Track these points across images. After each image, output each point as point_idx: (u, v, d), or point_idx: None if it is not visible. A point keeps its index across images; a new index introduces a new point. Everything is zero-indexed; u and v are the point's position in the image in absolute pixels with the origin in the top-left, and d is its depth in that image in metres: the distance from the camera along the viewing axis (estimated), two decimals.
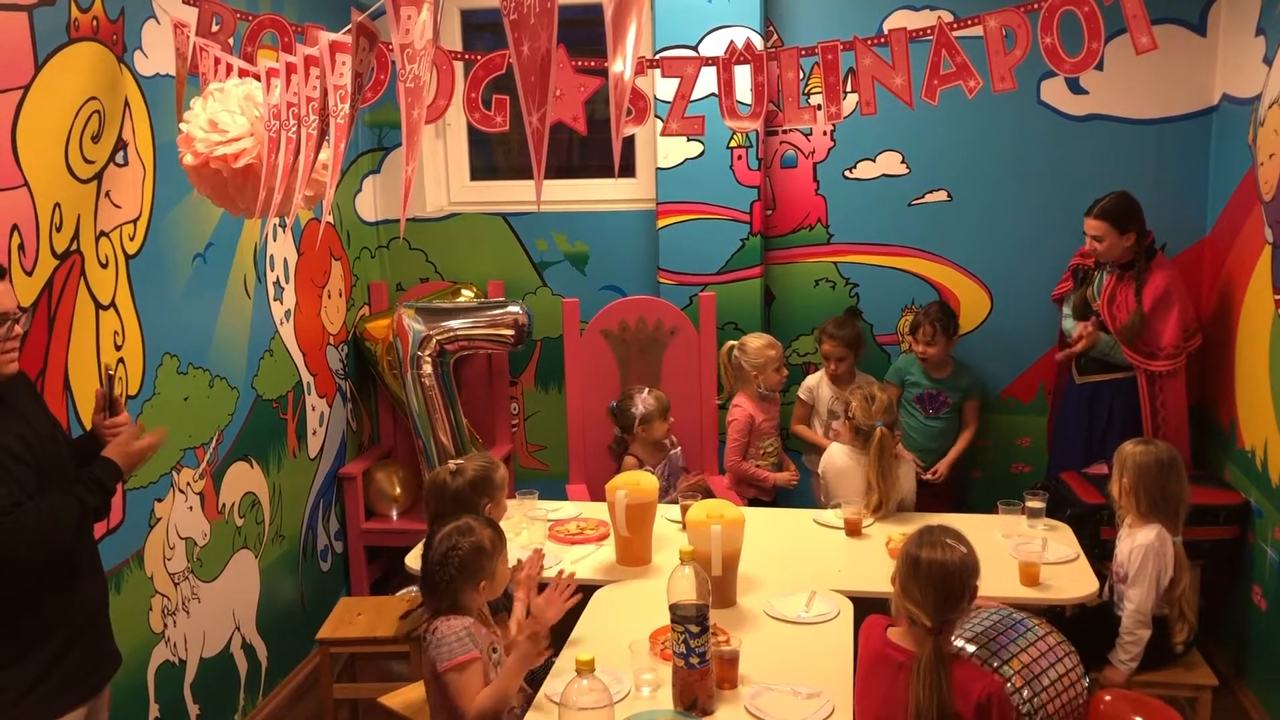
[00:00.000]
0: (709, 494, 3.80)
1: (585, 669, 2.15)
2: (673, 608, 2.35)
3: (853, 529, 3.43)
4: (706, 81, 3.01)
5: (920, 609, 2.31)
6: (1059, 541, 3.33)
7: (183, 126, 2.06)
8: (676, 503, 3.53)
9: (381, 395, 4.74)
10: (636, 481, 3.19)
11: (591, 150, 4.88)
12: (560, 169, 4.86)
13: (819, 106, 3.01)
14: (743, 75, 3.00)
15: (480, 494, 2.89)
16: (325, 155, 1.88)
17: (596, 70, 3.00)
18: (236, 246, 3.68)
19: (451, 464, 2.95)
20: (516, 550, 3.32)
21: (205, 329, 3.51)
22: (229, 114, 1.88)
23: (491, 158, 4.97)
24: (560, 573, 2.80)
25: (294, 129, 1.75)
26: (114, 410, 2.50)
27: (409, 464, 4.62)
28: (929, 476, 4.29)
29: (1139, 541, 2.98)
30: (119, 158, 3.02)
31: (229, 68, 2.33)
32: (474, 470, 2.92)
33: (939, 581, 2.31)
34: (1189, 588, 3.09)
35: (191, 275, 3.42)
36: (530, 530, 3.41)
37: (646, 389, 4.00)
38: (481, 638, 2.52)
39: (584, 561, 3.27)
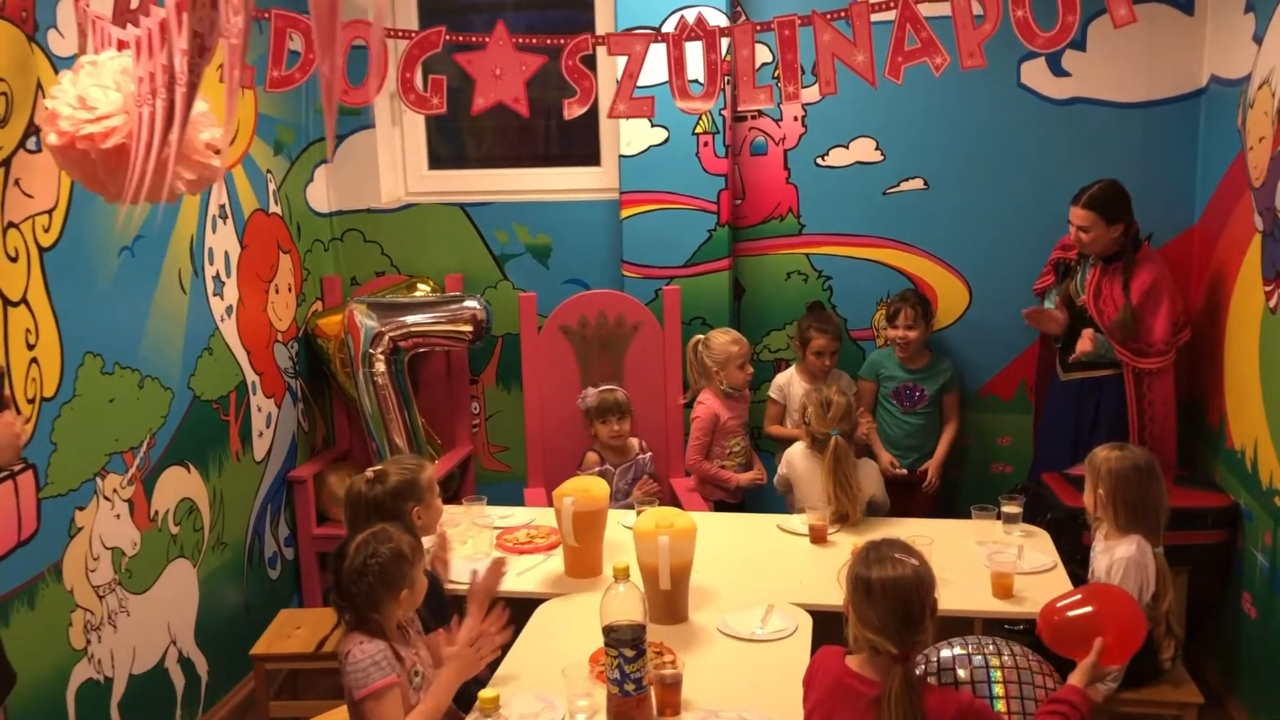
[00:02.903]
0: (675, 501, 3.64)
1: (489, 708, 1.96)
2: (606, 629, 2.16)
3: (818, 536, 3.25)
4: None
5: (882, 635, 2.12)
6: (1036, 549, 3.15)
7: (47, 103, 1.86)
8: (633, 507, 3.35)
9: (336, 395, 4.54)
10: (585, 488, 3.00)
11: (551, 137, 4.69)
12: (523, 158, 4.68)
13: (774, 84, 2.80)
14: (696, 53, 2.80)
15: (406, 499, 2.71)
16: (210, 134, 1.68)
17: (539, 48, 2.80)
18: (170, 239, 3.48)
19: (370, 471, 2.76)
20: (462, 560, 3.14)
21: (134, 327, 3.31)
22: (101, 89, 1.68)
23: (461, 146, 4.77)
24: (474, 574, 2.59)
25: (154, 101, 1.56)
26: (3, 408, 2.30)
27: (364, 467, 4.39)
28: (925, 487, 4.11)
29: (1118, 555, 2.79)
30: (30, 143, 2.82)
31: (113, 39, 2.12)
32: (396, 475, 2.74)
33: (896, 601, 2.12)
34: (1175, 600, 2.90)
35: (118, 269, 3.22)
36: (477, 539, 3.22)
37: (604, 386, 3.83)
38: (401, 660, 2.34)
39: (531, 573, 3.09)
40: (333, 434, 4.63)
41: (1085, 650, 2.34)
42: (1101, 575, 2.85)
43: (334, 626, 2.51)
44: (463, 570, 3.00)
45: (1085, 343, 3.77)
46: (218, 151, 1.82)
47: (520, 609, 2.84)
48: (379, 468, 2.78)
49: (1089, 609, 2.46)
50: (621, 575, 2.24)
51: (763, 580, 3.00)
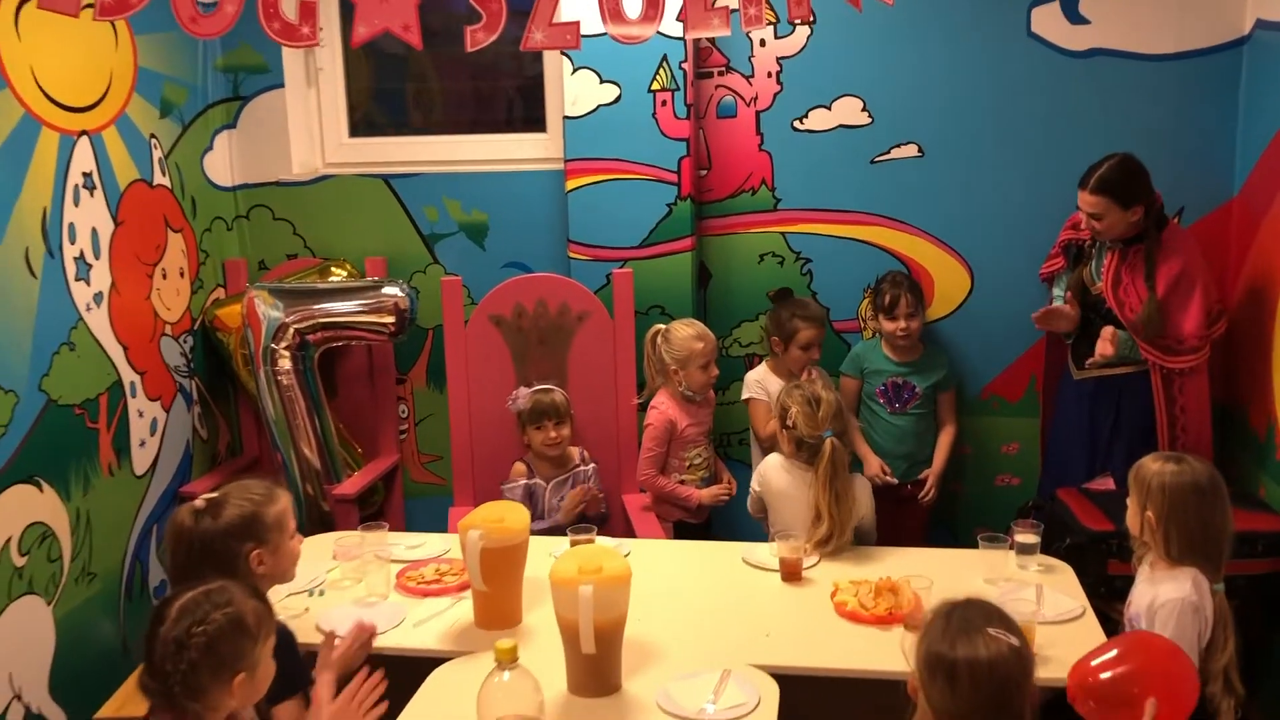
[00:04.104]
0: (602, 520, 3.07)
1: None
2: None
3: (790, 571, 2.66)
4: None
5: None
6: (1058, 589, 2.57)
7: None
8: (566, 533, 2.78)
9: (242, 397, 3.94)
10: (500, 517, 2.41)
11: (491, 99, 4.12)
12: (456, 123, 4.09)
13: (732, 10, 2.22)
14: None
15: (242, 539, 2.14)
16: None
17: None
18: (12, 211, 2.88)
19: (200, 499, 2.18)
20: (352, 606, 2.56)
21: None
22: None
23: (401, 112, 4.17)
24: (365, 671, 2.03)
25: None
26: None
27: (273, 479, 3.81)
28: (922, 497, 3.55)
29: (1168, 595, 2.22)
30: None
31: None
32: (234, 507, 2.16)
33: (991, 692, 1.63)
34: (1235, 651, 2.33)
35: None
36: (371, 577, 2.62)
37: (540, 385, 3.28)
38: None
39: (432, 623, 2.48)
40: (239, 441, 4.03)
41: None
42: (1141, 613, 2.29)
43: None
44: (347, 619, 2.42)
45: (1105, 345, 3.22)
46: None
47: (415, 670, 2.26)
48: (213, 495, 2.20)
49: (1130, 666, 1.95)
50: (507, 660, 1.65)
51: (720, 633, 2.41)
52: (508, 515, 2.42)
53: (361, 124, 4.10)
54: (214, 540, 2.10)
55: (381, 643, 2.36)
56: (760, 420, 3.58)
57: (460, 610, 2.52)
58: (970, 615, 1.72)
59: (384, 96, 4.20)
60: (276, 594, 2.36)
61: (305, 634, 2.40)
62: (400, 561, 2.79)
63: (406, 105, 4.22)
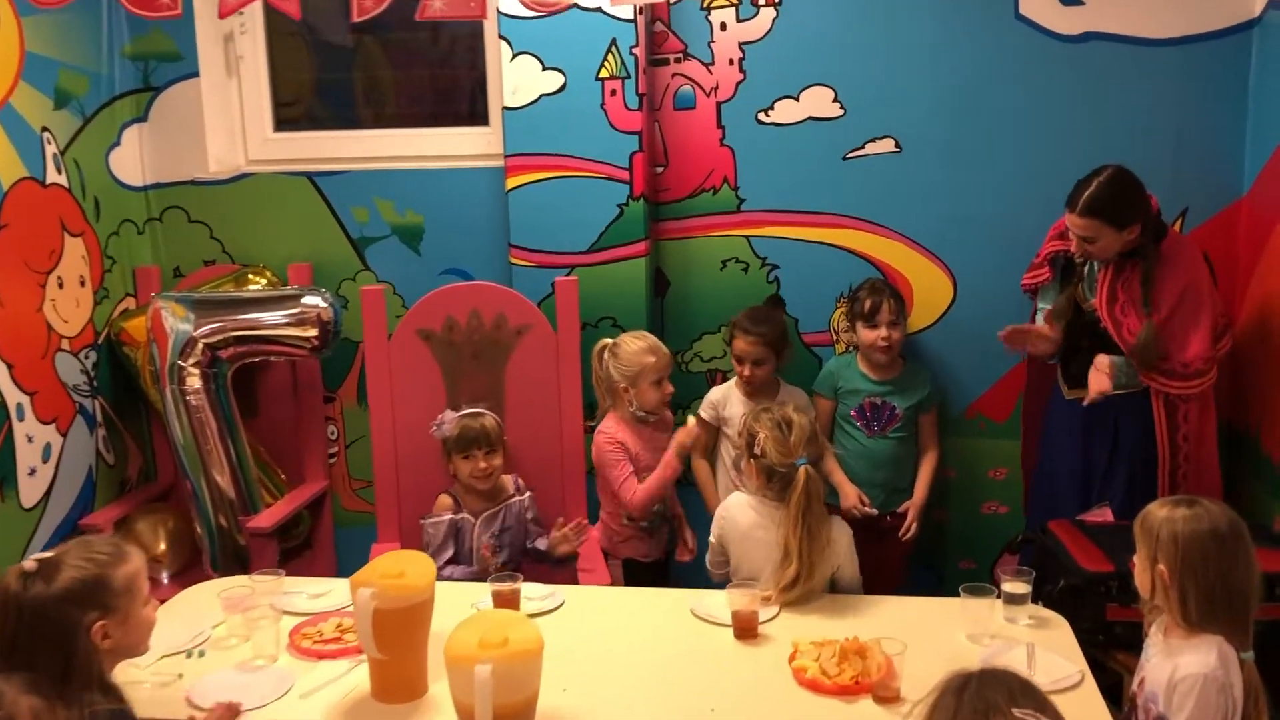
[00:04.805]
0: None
1: None
2: None
3: (744, 627, 2.31)
4: None
5: None
6: (1052, 648, 2.23)
7: None
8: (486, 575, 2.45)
9: (156, 417, 3.59)
10: (400, 571, 2.06)
11: (437, 92, 3.78)
12: (388, 116, 3.76)
13: None
14: None
15: (83, 607, 1.78)
16: None
17: None
18: None
19: (31, 560, 1.83)
20: (233, 671, 2.21)
21: None
22: None
23: (347, 105, 3.82)
24: None
25: None
26: None
27: (184, 509, 3.45)
28: (903, 534, 3.22)
29: (1189, 669, 1.89)
30: None
31: None
32: (73, 569, 1.80)
33: None
34: None
35: None
36: (259, 635, 2.26)
37: (469, 409, 2.96)
38: None
39: (325, 691, 2.12)
40: (153, 466, 3.67)
41: None
42: (1159, 692, 1.95)
43: None
44: (223, 688, 2.08)
45: (1101, 379, 2.90)
46: None
47: None
48: (47, 554, 1.84)
49: None
50: None
51: (657, 706, 2.06)
52: (409, 569, 2.06)
53: (304, 119, 3.77)
54: (47, 608, 1.75)
55: (258, 717, 2.01)
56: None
57: (359, 676, 2.16)
58: (988, 693, 1.42)
59: (318, 88, 3.85)
60: (132, 665, 2.00)
61: (174, 707, 2.06)
62: (299, 614, 2.43)
63: (347, 98, 3.87)
